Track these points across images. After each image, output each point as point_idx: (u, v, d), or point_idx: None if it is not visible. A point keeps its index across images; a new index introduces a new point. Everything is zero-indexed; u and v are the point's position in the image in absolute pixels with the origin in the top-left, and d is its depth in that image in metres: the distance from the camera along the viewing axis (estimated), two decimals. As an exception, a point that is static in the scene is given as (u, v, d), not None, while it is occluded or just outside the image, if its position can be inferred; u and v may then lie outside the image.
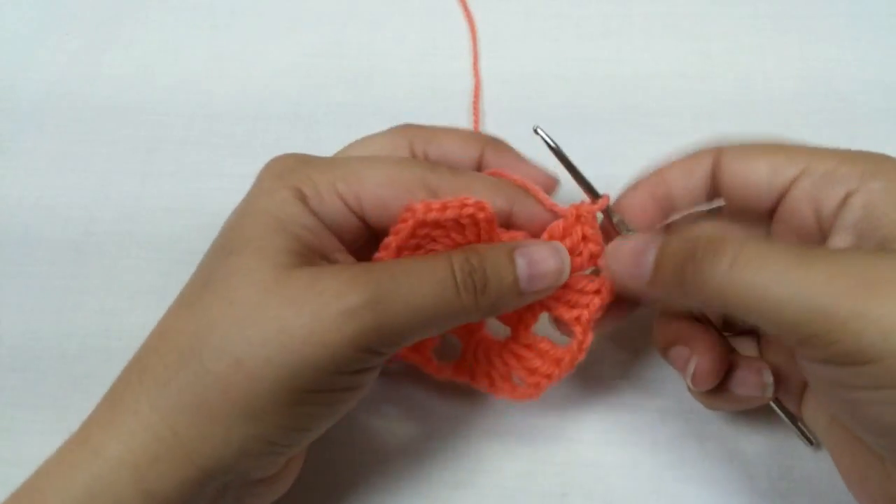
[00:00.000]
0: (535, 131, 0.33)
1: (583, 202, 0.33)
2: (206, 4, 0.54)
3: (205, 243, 0.44)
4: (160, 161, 0.47)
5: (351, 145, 0.35)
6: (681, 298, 0.29)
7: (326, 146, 0.47)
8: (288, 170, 0.30)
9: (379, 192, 0.29)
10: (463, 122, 0.48)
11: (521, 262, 0.30)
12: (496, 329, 0.36)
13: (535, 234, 0.33)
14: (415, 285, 0.27)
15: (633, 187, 0.34)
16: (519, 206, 0.32)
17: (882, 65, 0.48)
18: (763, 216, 0.32)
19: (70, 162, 0.48)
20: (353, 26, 0.53)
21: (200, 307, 0.28)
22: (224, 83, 0.51)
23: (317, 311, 0.26)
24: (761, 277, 0.25)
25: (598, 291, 0.32)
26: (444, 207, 0.29)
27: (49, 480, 0.27)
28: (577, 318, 0.32)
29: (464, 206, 0.29)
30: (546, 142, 0.33)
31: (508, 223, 0.32)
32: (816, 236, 0.31)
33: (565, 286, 0.32)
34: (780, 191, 0.31)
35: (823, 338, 0.25)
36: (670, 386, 0.38)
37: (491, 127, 0.48)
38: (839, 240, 0.29)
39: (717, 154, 0.32)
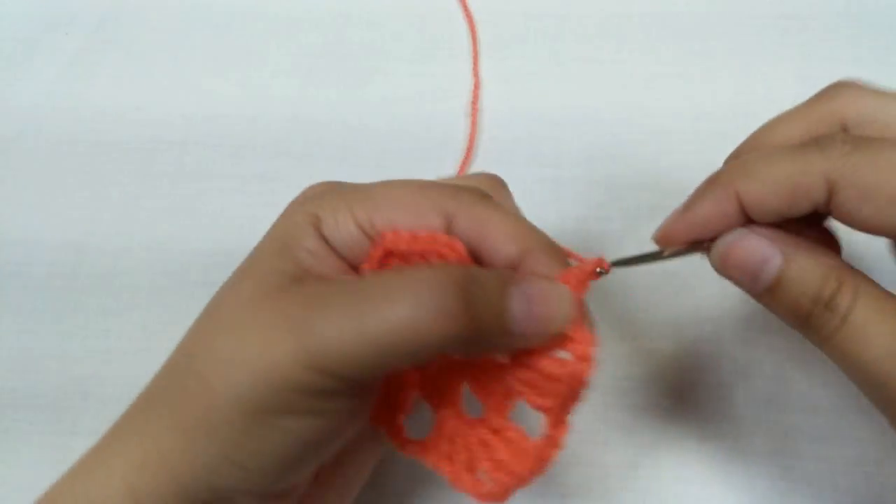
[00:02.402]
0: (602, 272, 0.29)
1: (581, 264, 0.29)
2: (205, 5, 0.54)
3: (204, 243, 0.45)
4: (160, 161, 0.47)
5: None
6: (788, 324, 0.27)
7: (326, 146, 0.48)
8: (313, 196, 0.29)
9: (392, 216, 0.28)
10: (461, 122, 0.48)
11: (516, 297, 0.26)
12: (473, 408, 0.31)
13: None
14: (378, 300, 0.24)
15: (714, 195, 0.28)
16: (531, 261, 0.27)
17: (881, 64, 0.48)
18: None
19: (70, 162, 0.48)
20: (353, 26, 0.53)
21: (196, 327, 0.28)
22: (224, 83, 0.51)
23: (269, 328, 0.25)
24: (863, 349, 0.24)
25: (561, 380, 0.27)
26: (413, 239, 0.27)
27: (65, 484, 0.28)
28: (549, 409, 0.28)
29: (434, 240, 0.27)
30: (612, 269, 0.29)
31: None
32: None
33: (532, 368, 0.28)
34: None
35: None
36: (670, 386, 0.38)
37: (489, 127, 0.48)
38: None
39: (834, 179, 0.26)
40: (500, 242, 0.27)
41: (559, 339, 0.27)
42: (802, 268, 0.26)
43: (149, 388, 0.29)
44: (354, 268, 0.29)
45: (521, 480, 0.28)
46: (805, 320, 0.26)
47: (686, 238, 0.29)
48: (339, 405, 0.26)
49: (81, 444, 0.38)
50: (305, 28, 0.53)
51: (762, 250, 0.27)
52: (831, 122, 0.28)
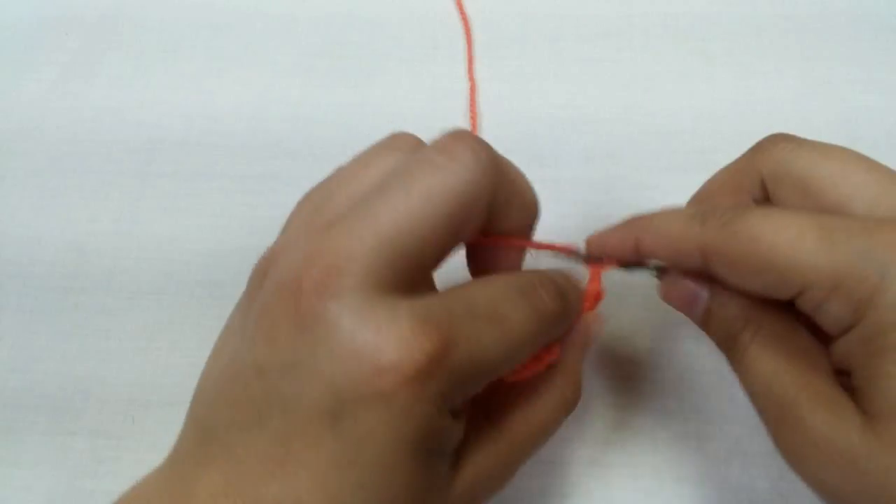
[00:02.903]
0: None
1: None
2: (206, 4, 0.54)
3: (204, 243, 0.45)
4: (160, 160, 0.47)
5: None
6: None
7: (326, 146, 0.48)
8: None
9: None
10: (462, 122, 0.48)
11: None
12: None
13: None
14: (486, 315, 0.25)
15: (619, 234, 0.31)
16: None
17: (881, 64, 0.48)
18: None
19: (70, 162, 0.48)
20: (353, 27, 0.53)
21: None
22: (223, 83, 0.51)
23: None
24: (761, 372, 0.27)
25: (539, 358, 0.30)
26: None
27: None
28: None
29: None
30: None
31: None
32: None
33: None
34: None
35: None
36: (670, 386, 0.38)
37: (488, 127, 0.48)
38: None
39: (705, 253, 0.28)
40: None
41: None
42: (724, 308, 0.29)
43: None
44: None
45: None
46: (733, 341, 0.28)
47: (605, 254, 0.32)
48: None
49: (81, 444, 0.38)
50: (305, 28, 0.53)
51: (692, 287, 0.29)
52: (753, 177, 0.30)
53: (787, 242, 0.25)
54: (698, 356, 0.39)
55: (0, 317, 0.42)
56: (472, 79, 0.49)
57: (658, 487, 0.36)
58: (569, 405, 0.30)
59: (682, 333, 0.39)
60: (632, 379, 0.39)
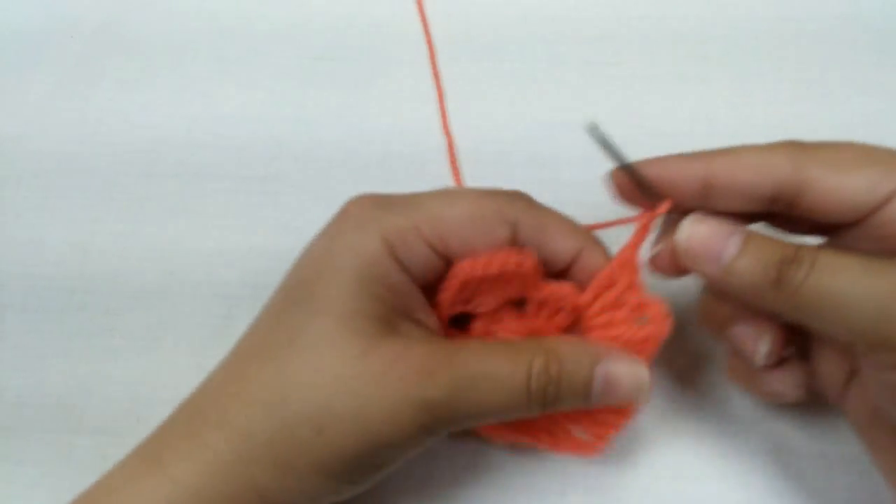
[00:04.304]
0: (590, 131, 0.31)
1: (628, 243, 0.32)
2: (208, 8, 0.54)
3: (207, 244, 0.45)
4: (163, 162, 0.48)
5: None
6: (752, 298, 0.29)
7: (328, 147, 0.48)
8: (370, 218, 0.30)
9: (462, 231, 0.30)
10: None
11: (598, 378, 0.30)
12: None
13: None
14: (488, 387, 0.28)
15: (688, 159, 0.31)
16: (586, 254, 0.32)
17: (878, 66, 0.48)
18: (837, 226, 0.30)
19: (74, 164, 0.48)
20: (354, 30, 0.53)
21: (287, 367, 0.28)
22: (226, 85, 0.51)
23: (397, 398, 0.27)
24: (835, 284, 0.26)
25: (647, 342, 0.32)
26: (489, 264, 0.30)
27: (119, 499, 0.28)
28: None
29: (506, 262, 0.30)
30: (603, 142, 0.31)
31: (568, 268, 0.32)
32: None
33: (619, 339, 0.32)
34: (872, 208, 0.28)
35: (891, 343, 0.25)
36: (670, 386, 0.38)
37: (488, 129, 0.48)
38: None
39: (798, 161, 0.29)
40: (561, 242, 0.31)
41: (635, 308, 0.31)
42: (762, 239, 0.28)
43: (221, 409, 0.29)
44: (425, 288, 0.31)
45: (618, 429, 0.33)
46: (774, 281, 0.27)
47: (647, 178, 0.31)
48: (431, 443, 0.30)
49: (85, 442, 0.39)
50: (307, 31, 0.53)
51: (725, 227, 0.29)
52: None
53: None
54: (698, 355, 0.39)
55: (5, 316, 0.43)
56: (445, 126, 0.48)
57: (657, 485, 0.36)
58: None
59: (683, 333, 0.40)
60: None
